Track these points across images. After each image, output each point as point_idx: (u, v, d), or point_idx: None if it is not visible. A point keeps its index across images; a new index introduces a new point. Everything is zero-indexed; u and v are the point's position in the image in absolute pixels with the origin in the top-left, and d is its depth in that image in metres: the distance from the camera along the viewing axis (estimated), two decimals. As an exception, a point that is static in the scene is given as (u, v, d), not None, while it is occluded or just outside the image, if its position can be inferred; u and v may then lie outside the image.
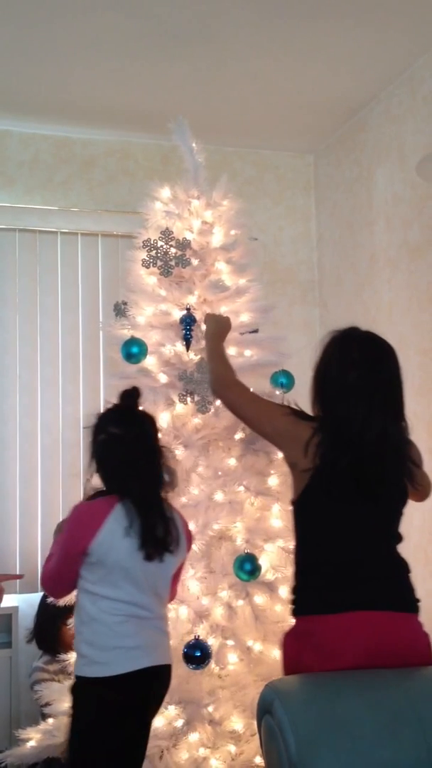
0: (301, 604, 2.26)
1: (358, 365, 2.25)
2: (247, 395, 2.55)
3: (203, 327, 3.03)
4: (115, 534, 2.34)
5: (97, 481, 3.08)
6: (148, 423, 2.51)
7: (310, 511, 2.26)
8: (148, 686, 2.38)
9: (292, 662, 2.26)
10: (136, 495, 2.39)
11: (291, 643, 2.27)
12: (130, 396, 2.51)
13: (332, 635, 2.15)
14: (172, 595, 2.61)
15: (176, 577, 2.56)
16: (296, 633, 2.27)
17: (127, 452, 2.43)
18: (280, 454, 2.98)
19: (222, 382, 2.60)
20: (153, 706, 2.46)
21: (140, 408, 2.57)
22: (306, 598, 2.24)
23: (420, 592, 2.40)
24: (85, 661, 2.35)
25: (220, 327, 2.87)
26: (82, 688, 2.37)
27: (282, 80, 4.04)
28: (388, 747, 2.00)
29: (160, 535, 2.38)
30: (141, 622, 2.36)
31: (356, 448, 2.17)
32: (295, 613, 2.27)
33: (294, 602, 2.28)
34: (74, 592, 2.49)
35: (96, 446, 2.48)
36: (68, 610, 2.84)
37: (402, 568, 2.26)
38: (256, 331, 3.11)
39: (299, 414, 2.37)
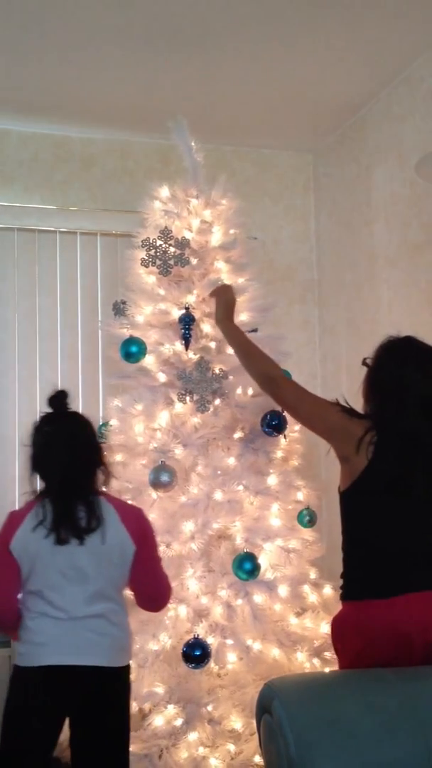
0: (358, 589, 2.32)
1: (414, 371, 2.36)
2: (299, 392, 2.54)
3: (202, 326, 3.03)
4: (27, 530, 2.38)
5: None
6: (74, 422, 2.53)
7: (362, 503, 2.34)
8: (59, 685, 2.35)
9: (354, 649, 2.30)
10: (55, 489, 2.43)
11: (350, 630, 2.32)
12: (56, 398, 2.55)
13: (397, 616, 2.24)
14: (143, 590, 2.54)
15: (139, 571, 2.49)
16: (353, 618, 2.32)
17: (49, 449, 2.48)
18: (279, 453, 3.00)
19: (269, 379, 2.60)
20: (73, 709, 2.39)
21: (72, 409, 2.60)
22: (363, 583, 2.32)
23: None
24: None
25: (227, 306, 2.85)
26: (11, 674, 2.44)
27: (281, 79, 4.03)
28: (387, 747, 2.01)
29: (75, 518, 2.38)
30: (54, 620, 2.36)
31: (409, 453, 2.30)
32: (351, 597, 2.34)
33: (349, 587, 2.36)
34: None
35: (31, 448, 2.52)
36: None
37: None
38: (255, 330, 3.11)
39: (350, 411, 2.43)
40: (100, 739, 2.40)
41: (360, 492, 2.33)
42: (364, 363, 2.51)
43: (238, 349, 2.77)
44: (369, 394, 2.44)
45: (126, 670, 2.48)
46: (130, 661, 2.50)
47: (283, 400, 2.59)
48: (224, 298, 2.88)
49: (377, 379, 2.41)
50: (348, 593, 2.36)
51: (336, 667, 2.49)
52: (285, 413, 2.90)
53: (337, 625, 2.40)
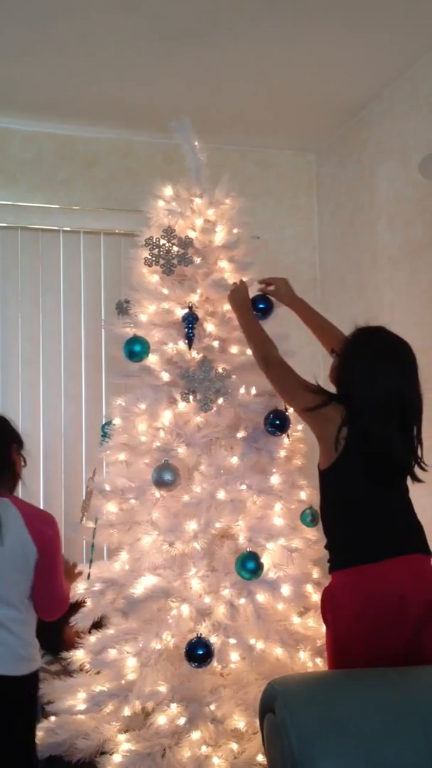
0: (348, 557, 2.44)
1: (384, 364, 2.47)
2: (286, 373, 2.71)
3: (205, 325, 3.04)
4: None
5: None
6: None
7: (342, 481, 2.49)
8: None
9: (352, 613, 2.38)
10: None
11: (346, 595, 2.41)
12: None
13: (389, 577, 2.37)
14: (38, 599, 2.58)
15: (37, 578, 2.53)
16: (349, 583, 2.42)
17: None
18: (282, 453, 3.00)
19: (264, 358, 2.77)
20: None
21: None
22: (352, 551, 2.44)
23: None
24: None
25: (242, 297, 2.96)
26: None
27: (284, 79, 4.03)
28: (391, 746, 2.01)
29: None
30: None
31: (381, 446, 2.44)
32: (342, 566, 2.46)
33: (339, 557, 2.48)
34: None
35: None
36: (70, 611, 2.91)
37: (418, 521, 2.54)
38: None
39: (329, 395, 2.55)
40: (3, 746, 2.45)
41: (339, 472, 2.47)
42: (332, 353, 2.70)
43: (248, 333, 2.88)
44: (339, 386, 2.57)
45: (31, 678, 2.53)
46: (38, 668, 2.59)
47: (271, 378, 2.76)
48: (241, 292, 2.99)
49: (347, 371, 2.53)
50: (338, 563, 2.48)
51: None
52: (288, 412, 2.93)
53: (329, 594, 2.50)
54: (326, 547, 2.58)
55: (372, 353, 2.49)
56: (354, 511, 2.47)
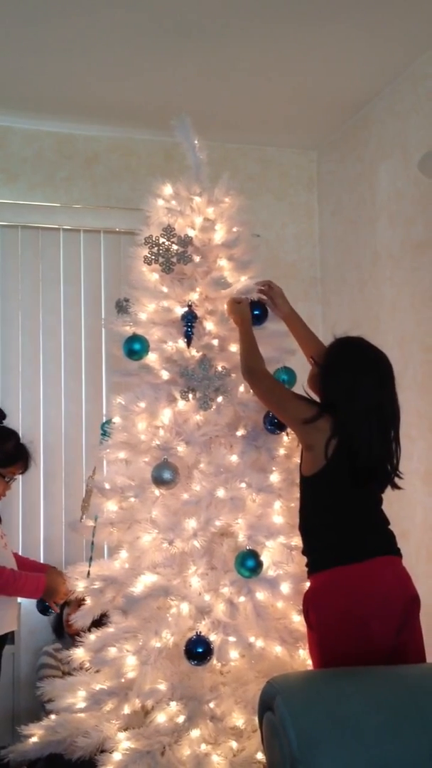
0: (331, 558, 2.52)
1: (365, 377, 2.56)
2: (271, 384, 2.79)
3: (204, 324, 3.03)
4: None
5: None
6: None
7: (326, 489, 2.56)
8: None
9: (337, 612, 2.45)
10: None
11: (331, 594, 2.49)
12: None
13: (373, 576, 2.46)
14: None
15: None
16: (333, 583, 2.49)
17: None
18: (282, 451, 3.00)
19: (250, 369, 2.83)
20: None
21: None
22: (335, 552, 2.52)
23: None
24: None
25: (246, 312, 3.00)
26: None
27: (285, 76, 4.03)
28: (390, 744, 2.01)
29: None
30: None
31: (365, 458, 2.53)
32: (324, 566, 2.53)
33: (321, 558, 2.56)
34: None
35: None
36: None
37: (389, 526, 2.65)
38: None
39: (315, 403, 2.65)
40: None
41: (326, 479, 2.55)
42: (312, 361, 2.79)
43: (244, 346, 2.90)
44: (322, 398, 2.66)
45: None
46: None
47: (257, 390, 2.82)
48: (245, 307, 3.01)
49: (329, 385, 2.63)
50: (320, 564, 2.56)
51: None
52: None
53: (312, 595, 2.55)
54: (304, 551, 2.65)
55: (352, 368, 2.58)
56: (339, 515, 2.56)
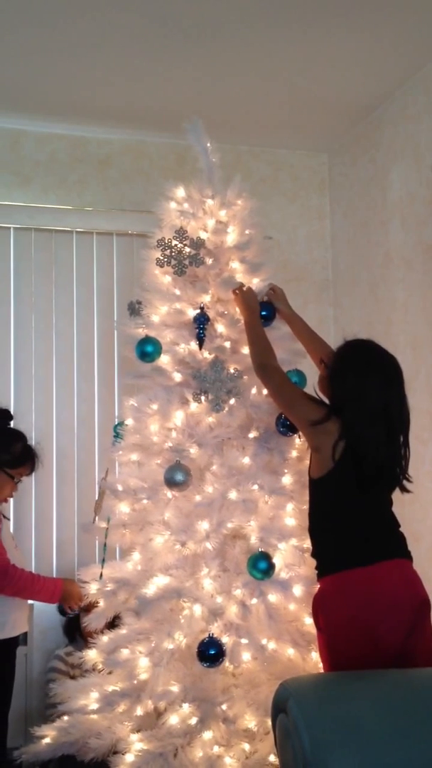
0: (338, 562, 2.52)
1: (375, 379, 2.55)
2: (282, 382, 2.78)
3: (216, 326, 3.04)
4: None
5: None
6: None
7: (334, 490, 2.56)
8: None
9: (345, 616, 2.45)
10: None
11: (339, 599, 2.48)
12: None
13: (380, 580, 2.46)
14: None
15: None
16: (341, 587, 2.49)
17: None
18: (294, 453, 3.00)
19: (262, 365, 2.82)
20: None
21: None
22: (342, 556, 2.52)
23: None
24: None
25: (252, 300, 2.99)
26: None
27: (296, 79, 4.03)
28: (403, 749, 2.01)
29: None
30: None
31: (372, 461, 2.53)
32: (332, 571, 2.53)
33: (328, 563, 2.56)
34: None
35: None
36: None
37: (400, 529, 2.64)
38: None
39: (325, 405, 2.64)
40: None
41: (333, 481, 2.55)
42: (322, 363, 2.78)
43: (252, 337, 2.91)
44: (330, 400, 2.65)
45: None
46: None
47: (268, 387, 2.82)
48: (251, 295, 3.01)
49: (337, 387, 2.62)
50: (328, 568, 2.56)
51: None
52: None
53: (320, 599, 2.55)
54: (313, 554, 2.64)
55: (359, 369, 2.57)
56: (346, 518, 2.55)
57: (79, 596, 3.18)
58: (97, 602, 3.03)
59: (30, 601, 3.42)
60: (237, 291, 3.02)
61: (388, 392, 2.55)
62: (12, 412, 3.48)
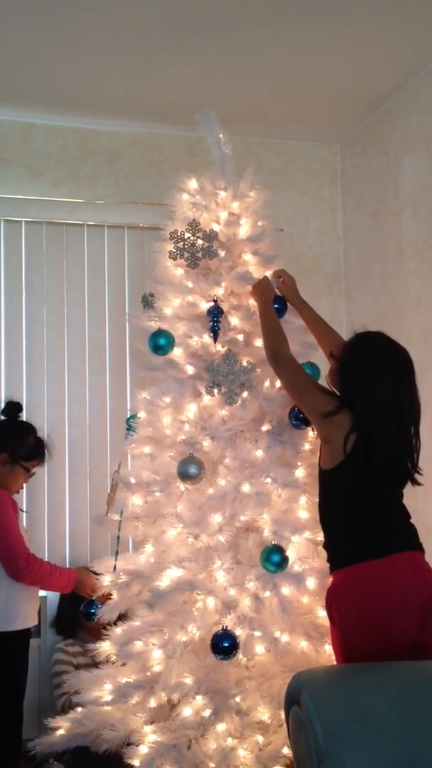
0: (351, 555, 2.51)
1: (386, 372, 2.54)
2: (296, 372, 2.77)
3: (230, 319, 3.03)
4: None
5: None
6: None
7: (345, 482, 2.55)
8: None
9: (358, 609, 2.44)
10: None
11: (351, 592, 2.47)
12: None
13: (392, 573, 2.45)
14: None
15: None
16: (353, 581, 2.48)
17: None
18: (307, 446, 2.99)
19: (275, 354, 2.81)
20: None
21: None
22: (354, 549, 2.51)
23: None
24: None
25: (267, 290, 3.00)
26: None
27: (308, 70, 4.01)
28: (416, 742, 2.01)
29: None
30: None
31: (383, 454, 2.52)
32: (344, 564, 2.52)
33: (341, 555, 2.55)
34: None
35: None
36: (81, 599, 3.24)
37: (411, 522, 2.63)
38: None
39: (337, 397, 2.62)
40: None
41: (345, 473, 2.54)
42: (331, 356, 2.77)
43: (266, 327, 2.90)
44: (341, 392, 2.63)
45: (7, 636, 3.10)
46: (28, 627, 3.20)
47: (280, 376, 2.81)
48: (265, 285, 3.02)
49: (347, 380, 2.60)
50: (341, 561, 2.55)
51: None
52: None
53: (333, 592, 2.54)
54: (325, 546, 2.64)
55: (370, 362, 2.55)
56: (358, 510, 2.54)
57: (92, 586, 3.19)
58: (111, 594, 3.03)
59: (42, 593, 3.44)
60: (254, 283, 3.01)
61: (398, 385, 2.53)
62: (24, 406, 3.49)
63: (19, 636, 3.20)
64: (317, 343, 3.10)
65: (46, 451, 3.40)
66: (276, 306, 3.02)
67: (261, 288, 2.99)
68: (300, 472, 2.92)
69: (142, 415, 3.09)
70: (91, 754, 2.94)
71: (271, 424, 2.97)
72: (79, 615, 3.38)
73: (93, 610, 3.12)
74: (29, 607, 3.24)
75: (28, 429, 3.37)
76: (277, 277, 3.10)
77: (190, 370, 3.02)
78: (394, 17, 3.55)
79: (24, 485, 3.43)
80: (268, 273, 3.10)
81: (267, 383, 3.00)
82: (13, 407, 3.39)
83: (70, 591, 3.28)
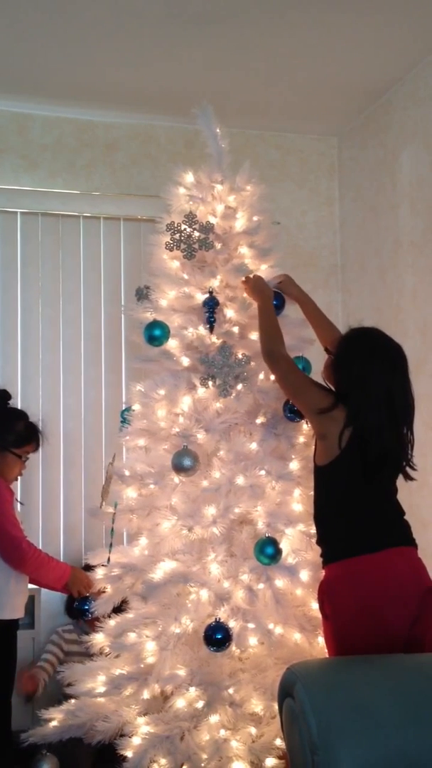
0: (345, 548, 2.51)
1: (380, 367, 2.54)
2: (290, 370, 2.77)
3: (225, 311, 3.03)
4: None
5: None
6: None
7: (340, 477, 2.56)
8: None
9: (352, 603, 2.44)
10: None
11: (345, 586, 2.48)
12: None
13: (386, 567, 2.46)
14: None
15: None
16: (347, 574, 2.48)
17: None
18: (301, 439, 2.99)
19: (270, 351, 2.80)
20: None
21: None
22: (348, 543, 2.51)
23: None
24: None
25: (265, 285, 3.00)
26: None
27: (306, 62, 4.00)
28: (410, 733, 2.01)
29: None
30: None
31: (375, 447, 2.52)
32: (338, 557, 2.52)
33: (335, 549, 2.55)
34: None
35: None
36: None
37: (405, 517, 2.63)
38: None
39: (332, 393, 2.63)
40: None
41: (339, 468, 2.55)
42: (327, 351, 2.78)
43: (264, 324, 2.89)
44: (336, 385, 2.64)
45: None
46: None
47: (275, 373, 2.81)
48: (262, 281, 3.01)
49: (344, 373, 2.60)
50: (334, 555, 2.55)
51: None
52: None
53: (326, 586, 2.55)
54: (318, 541, 2.64)
55: (364, 357, 2.56)
56: (352, 505, 2.55)
57: (87, 582, 3.18)
58: (104, 589, 3.04)
59: (32, 588, 3.44)
60: (247, 277, 3.01)
61: (391, 378, 2.54)
62: (19, 397, 3.48)
63: (8, 625, 3.20)
64: (315, 337, 3.10)
65: (40, 436, 3.38)
66: (275, 303, 3.02)
67: (258, 284, 2.98)
68: (294, 465, 2.92)
69: (136, 407, 3.09)
70: (84, 745, 2.95)
71: (266, 416, 2.97)
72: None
73: (87, 607, 3.13)
74: (19, 598, 3.24)
75: (18, 415, 3.38)
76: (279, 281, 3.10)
77: (185, 361, 3.02)
78: (392, 10, 3.53)
79: (21, 474, 3.41)
80: (264, 266, 3.10)
81: (261, 376, 3.00)
82: (1, 395, 3.38)
83: (62, 587, 3.25)
